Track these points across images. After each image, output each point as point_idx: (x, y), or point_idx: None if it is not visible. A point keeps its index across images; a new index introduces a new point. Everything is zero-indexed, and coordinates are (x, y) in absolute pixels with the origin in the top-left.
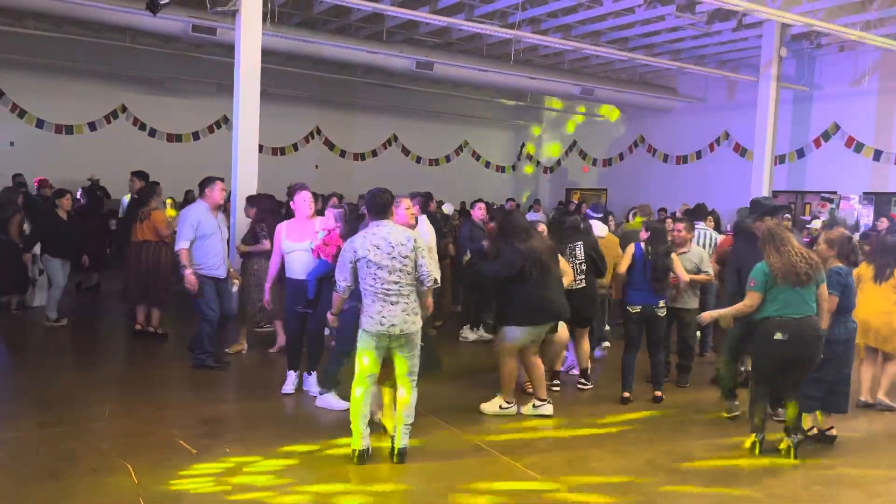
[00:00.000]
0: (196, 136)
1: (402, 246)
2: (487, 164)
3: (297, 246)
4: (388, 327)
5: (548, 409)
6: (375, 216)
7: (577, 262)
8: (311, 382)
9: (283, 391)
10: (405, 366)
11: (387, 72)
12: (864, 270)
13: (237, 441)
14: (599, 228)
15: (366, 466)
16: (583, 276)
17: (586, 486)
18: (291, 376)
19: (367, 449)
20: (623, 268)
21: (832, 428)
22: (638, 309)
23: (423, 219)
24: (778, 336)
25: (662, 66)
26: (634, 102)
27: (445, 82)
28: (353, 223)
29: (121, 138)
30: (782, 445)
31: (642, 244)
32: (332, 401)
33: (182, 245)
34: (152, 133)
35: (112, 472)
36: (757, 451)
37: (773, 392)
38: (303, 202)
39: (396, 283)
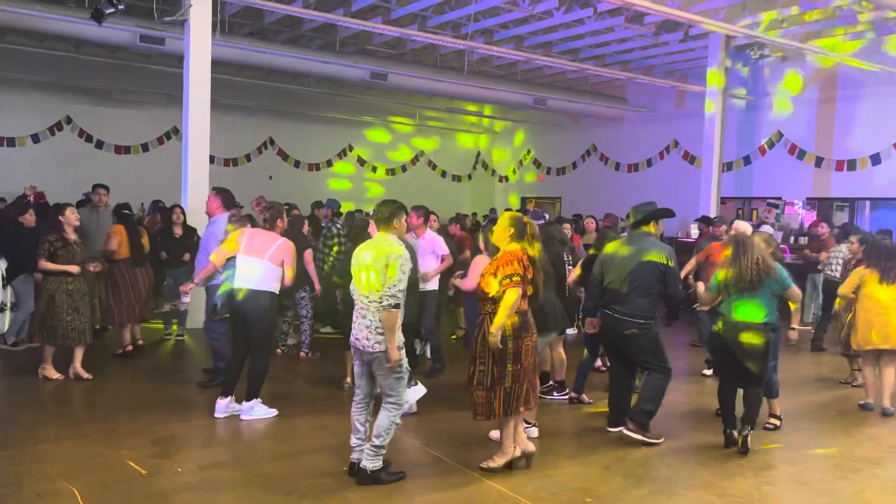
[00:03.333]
0: (145, 147)
1: (377, 261)
2: (444, 174)
3: (247, 258)
4: (355, 340)
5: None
6: (376, 228)
7: (568, 270)
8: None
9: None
10: (381, 384)
11: (341, 82)
12: (868, 276)
13: (189, 461)
14: None
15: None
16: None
17: (545, 495)
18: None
19: (354, 462)
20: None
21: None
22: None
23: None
24: (714, 328)
25: (612, 77)
26: (586, 112)
27: (400, 92)
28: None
29: (66, 150)
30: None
31: None
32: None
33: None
34: (99, 145)
35: (58, 497)
36: (739, 443)
37: (730, 383)
38: (282, 224)
39: (366, 296)
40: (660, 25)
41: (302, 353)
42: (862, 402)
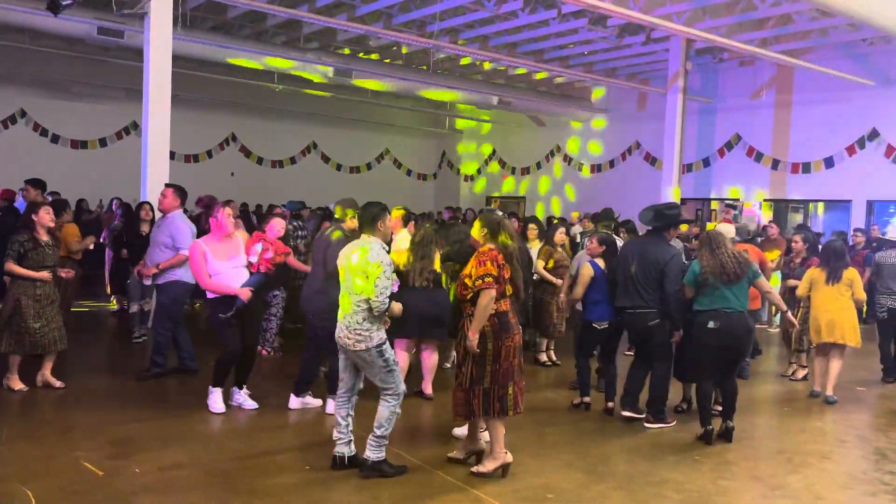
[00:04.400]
0: (103, 142)
1: (354, 263)
2: (409, 173)
3: (227, 265)
4: (338, 337)
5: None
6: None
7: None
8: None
9: (215, 410)
10: (373, 379)
11: (305, 79)
12: (817, 275)
13: (148, 461)
14: None
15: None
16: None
17: (507, 492)
18: (218, 393)
19: (341, 456)
20: (583, 290)
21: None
22: (605, 325)
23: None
24: (711, 325)
25: (576, 78)
26: (550, 112)
27: (365, 90)
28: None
29: (19, 144)
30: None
31: (597, 261)
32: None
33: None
34: (55, 139)
35: (12, 500)
36: (727, 437)
37: (710, 379)
38: (227, 218)
39: (347, 296)
40: (623, 28)
41: (263, 351)
42: (812, 391)
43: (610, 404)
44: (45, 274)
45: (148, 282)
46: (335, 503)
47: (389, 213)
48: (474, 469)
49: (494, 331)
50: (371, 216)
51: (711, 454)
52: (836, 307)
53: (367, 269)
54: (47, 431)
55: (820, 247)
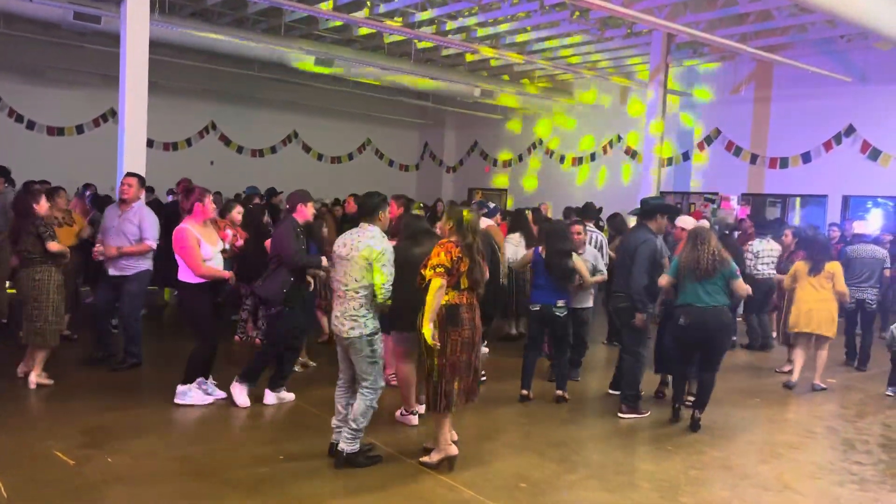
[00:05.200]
0: (80, 129)
1: (356, 250)
2: (391, 163)
3: (214, 251)
4: (334, 326)
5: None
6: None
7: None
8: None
9: (196, 402)
10: (356, 368)
11: (286, 67)
12: (801, 267)
13: (121, 451)
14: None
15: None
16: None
17: (481, 481)
18: (193, 389)
19: (334, 443)
20: (521, 267)
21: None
22: (537, 308)
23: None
24: (681, 321)
25: (558, 71)
26: (533, 104)
27: (347, 80)
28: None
29: None
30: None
31: (540, 247)
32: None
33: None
34: (31, 125)
35: None
36: (692, 425)
37: (683, 369)
38: (212, 204)
39: (345, 284)
40: (604, 21)
41: (257, 341)
42: (787, 382)
43: (560, 392)
44: (60, 245)
45: (113, 271)
46: (308, 493)
47: (389, 205)
48: (422, 459)
49: (441, 322)
50: (372, 206)
51: (684, 444)
52: (816, 298)
53: (372, 258)
54: (17, 422)
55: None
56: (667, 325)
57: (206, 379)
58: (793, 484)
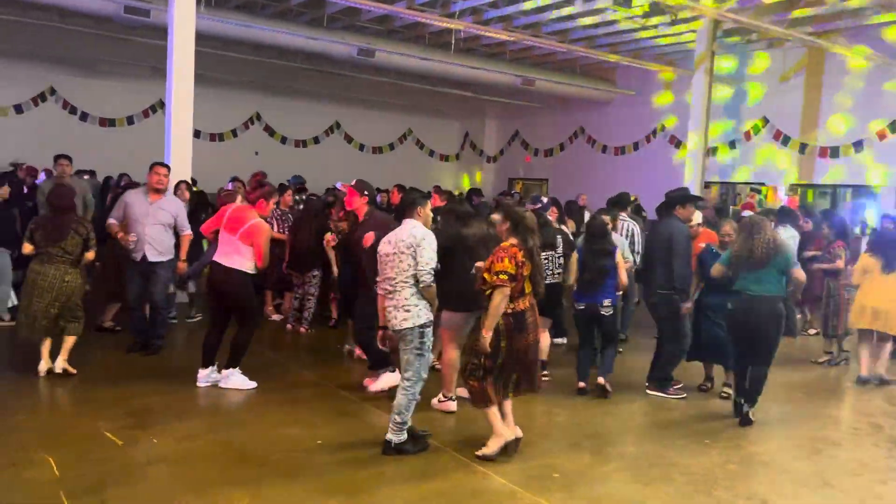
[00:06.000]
0: (130, 120)
1: (401, 242)
2: (432, 153)
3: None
4: (388, 321)
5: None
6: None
7: (556, 255)
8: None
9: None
10: (402, 359)
11: (328, 58)
12: (870, 262)
13: (165, 433)
14: None
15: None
16: (560, 271)
17: (513, 470)
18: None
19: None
20: (573, 274)
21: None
22: (582, 307)
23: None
24: (729, 306)
25: (601, 59)
26: (574, 94)
27: (388, 70)
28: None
29: (50, 122)
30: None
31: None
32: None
33: (110, 220)
34: (84, 117)
35: (32, 466)
36: (743, 419)
37: (742, 362)
38: (272, 206)
39: (393, 278)
40: (649, 8)
41: (301, 329)
42: (861, 377)
43: (600, 380)
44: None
45: (153, 257)
46: (344, 479)
47: (429, 201)
48: (478, 453)
49: (508, 329)
50: (409, 202)
51: (721, 438)
52: (888, 297)
53: (414, 244)
54: (69, 402)
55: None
56: (706, 316)
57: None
58: (833, 481)
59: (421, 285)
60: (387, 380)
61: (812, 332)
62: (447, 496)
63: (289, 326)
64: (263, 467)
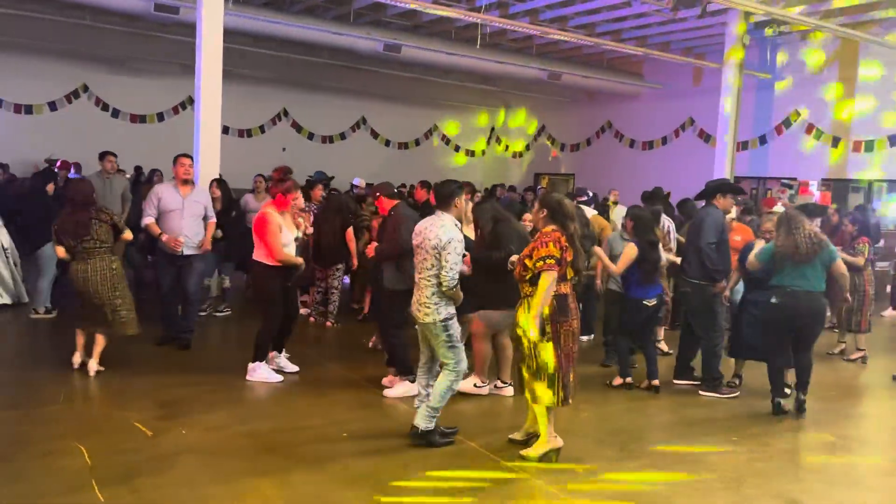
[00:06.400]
0: (161, 116)
1: (428, 241)
2: (457, 148)
3: (290, 237)
4: (412, 310)
5: (509, 390)
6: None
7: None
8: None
9: (270, 379)
10: (437, 353)
11: (355, 54)
12: None
13: (194, 424)
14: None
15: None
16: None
17: (536, 464)
18: (262, 366)
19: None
20: (624, 268)
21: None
22: (653, 302)
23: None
24: (773, 300)
25: (628, 53)
26: (601, 88)
27: (414, 65)
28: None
29: (83, 118)
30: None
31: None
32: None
33: (147, 220)
34: (115, 113)
35: (65, 455)
36: (798, 409)
37: (784, 357)
38: (296, 201)
39: (419, 273)
40: (677, 0)
41: (328, 323)
42: None
43: (655, 382)
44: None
45: (189, 251)
46: (369, 470)
47: (464, 192)
48: (523, 452)
49: (552, 313)
50: (447, 193)
51: (750, 435)
52: None
53: (439, 247)
54: (101, 393)
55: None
56: (748, 313)
57: (280, 353)
58: (865, 480)
59: (443, 288)
60: (404, 389)
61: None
62: (470, 487)
63: (311, 319)
64: (290, 458)
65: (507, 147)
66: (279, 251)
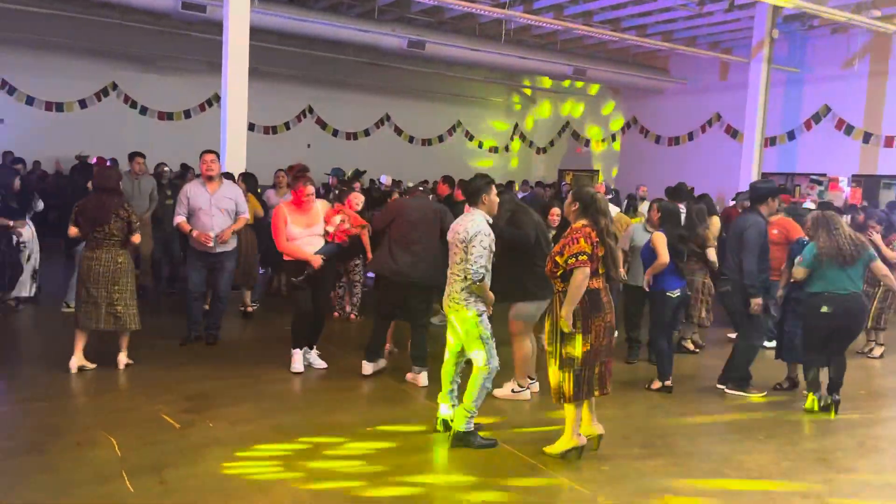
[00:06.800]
0: (188, 114)
1: (457, 234)
2: (480, 145)
3: (304, 232)
4: (444, 306)
5: (526, 394)
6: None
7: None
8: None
9: (294, 370)
10: (467, 349)
11: (379, 51)
12: None
13: (220, 417)
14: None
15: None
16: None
17: (562, 463)
18: (298, 354)
19: (444, 419)
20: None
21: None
22: (677, 293)
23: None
24: (824, 309)
25: (654, 48)
26: (627, 83)
27: (438, 62)
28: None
29: (112, 116)
30: (825, 402)
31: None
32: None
33: (178, 219)
34: (143, 111)
35: (96, 446)
36: (816, 408)
37: (821, 357)
38: (308, 198)
39: (450, 268)
40: None
41: (352, 316)
42: None
43: (668, 382)
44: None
45: (220, 248)
46: (392, 465)
47: (492, 187)
48: (545, 448)
49: (584, 310)
50: (474, 189)
51: (778, 435)
52: None
53: (466, 241)
54: (131, 385)
55: None
56: (794, 312)
57: (311, 349)
58: (894, 481)
59: (468, 282)
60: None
61: None
62: (493, 483)
63: (336, 314)
64: (315, 453)
65: (531, 143)
66: (280, 243)
